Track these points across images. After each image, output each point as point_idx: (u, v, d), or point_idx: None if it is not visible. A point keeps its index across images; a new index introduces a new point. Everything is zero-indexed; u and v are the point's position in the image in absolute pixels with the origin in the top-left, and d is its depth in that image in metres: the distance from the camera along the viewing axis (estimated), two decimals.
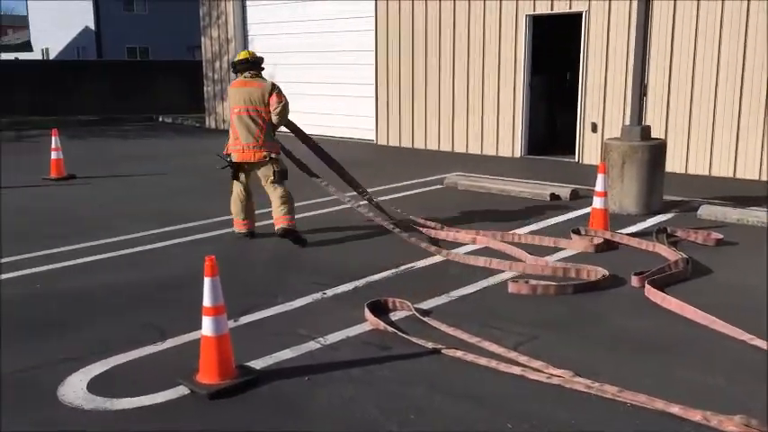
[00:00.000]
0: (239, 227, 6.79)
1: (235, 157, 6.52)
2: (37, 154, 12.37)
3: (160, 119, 20.28)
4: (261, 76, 6.67)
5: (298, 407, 3.56)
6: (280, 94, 6.45)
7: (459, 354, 4.10)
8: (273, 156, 6.53)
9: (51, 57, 37.37)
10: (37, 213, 8.03)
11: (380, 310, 4.81)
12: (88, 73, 23.27)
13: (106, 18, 34.00)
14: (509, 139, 11.85)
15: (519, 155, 11.77)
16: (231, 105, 6.62)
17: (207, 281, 3.68)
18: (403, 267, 5.86)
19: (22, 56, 38.70)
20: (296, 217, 6.69)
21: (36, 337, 4.43)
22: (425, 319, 4.65)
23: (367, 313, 4.68)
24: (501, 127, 11.93)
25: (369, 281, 5.52)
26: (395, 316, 4.77)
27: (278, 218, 6.52)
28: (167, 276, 5.68)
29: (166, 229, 7.20)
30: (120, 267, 5.96)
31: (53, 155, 10.23)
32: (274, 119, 6.50)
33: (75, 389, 3.73)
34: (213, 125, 17.70)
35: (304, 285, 5.40)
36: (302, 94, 15.43)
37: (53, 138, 10.38)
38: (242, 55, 6.71)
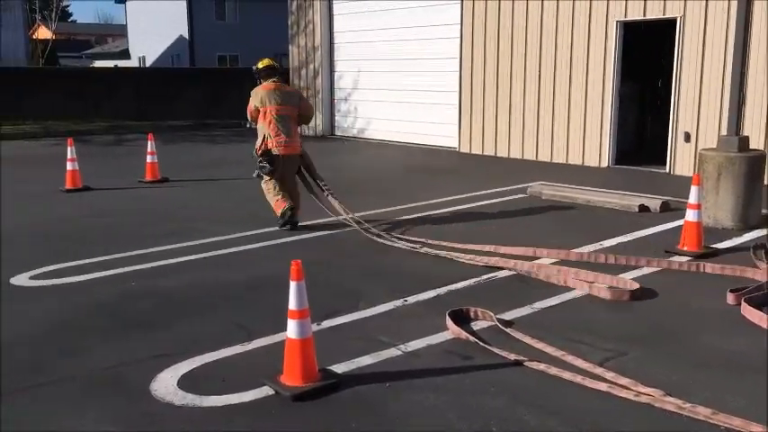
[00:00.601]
0: (282, 205, 7.22)
1: (279, 150, 7.19)
2: (134, 157, 12.97)
3: (247, 125, 20.86)
4: (284, 81, 7.52)
5: (378, 412, 3.58)
6: (307, 99, 7.69)
7: (542, 367, 4.02)
8: (303, 150, 7.49)
9: (147, 64, 39.11)
10: (131, 214, 8.41)
11: (462, 319, 4.78)
12: (182, 80, 24.23)
13: (199, 27, 35.32)
14: (596, 149, 11.57)
15: (606, 165, 11.47)
16: (266, 105, 7.22)
17: (293, 285, 3.76)
18: (485, 277, 5.81)
19: (121, 63, 40.66)
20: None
21: (129, 334, 4.64)
22: (508, 330, 4.60)
23: (448, 322, 4.67)
24: (588, 136, 11.66)
25: (450, 289, 5.51)
26: (476, 325, 4.74)
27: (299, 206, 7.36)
28: (255, 278, 5.83)
29: (256, 231, 7.39)
30: (211, 268, 6.16)
31: (148, 158, 10.70)
32: (305, 120, 7.53)
33: (166, 385, 3.88)
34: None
35: (386, 292, 5.44)
36: (385, 101, 15.60)
37: (149, 142, 10.85)
38: (266, 62, 7.50)
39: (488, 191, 9.66)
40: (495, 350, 4.24)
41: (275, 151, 7.18)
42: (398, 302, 5.22)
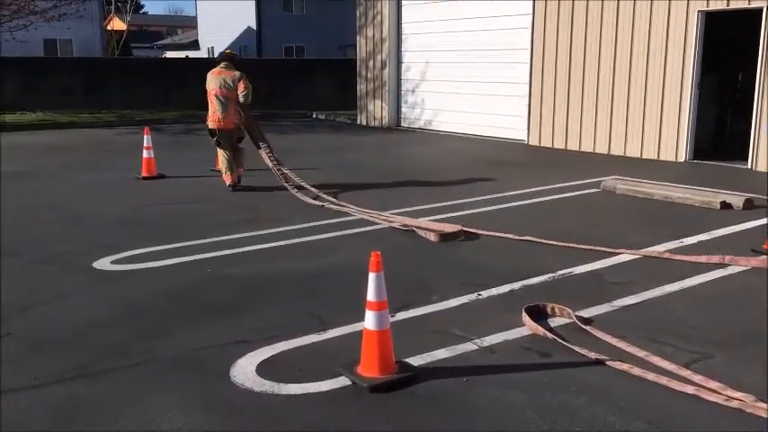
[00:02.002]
0: (227, 179, 9.09)
1: (213, 125, 8.97)
2: (204, 147, 13.21)
3: (314, 115, 21.05)
4: (233, 68, 9.01)
5: (455, 408, 3.54)
6: (245, 81, 8.83)
7: (625, 367, 3.91)
8: (238, 124, 9.07)
9: (215, 55, 39.91)
10: (205, 202, 8.57)
11: (539, 315, 4.69)
12: (250, 70, 24.52)
13: (266, 18, 35.81)
14: (672, 142, 11.19)
15: (683, 159, 11.08)
16: (209, 87, 8.96)
17: (372, 276, 3.75)
18: (560, 272, 5.69)
19: (191, 54, 41.61)
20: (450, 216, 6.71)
21: (208, 320, 4.73)
22: (587, 327, 4.48)
23: (525, 317, 4.59)
24: (664, 129, 11.28)
25: (525, 284, 5.41)
26: (554, 322, 4.64)
27: (238, 171, 9.16)
28: (323, 267, 5.85)
29: (321, 222, 7.44)
30: (281, 257, 6.23)
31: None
32: (241, 99, 8.86)
33: (245, 371, 3.94)
34: (365, 122, 18.12)
35: (459, 285, 5.38)
36: (453, 92, 15.47)
37: None
38: (228, 52, 9.42)
39: (559, 185, 9.46)
40: (575, 348, 4.14)
41: (210, 125, 9.04)
42: (472, 296, 5.16)
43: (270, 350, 4.21)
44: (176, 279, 5.59)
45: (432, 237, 6.63)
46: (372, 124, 17.74)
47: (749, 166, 10.37)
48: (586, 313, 4.78)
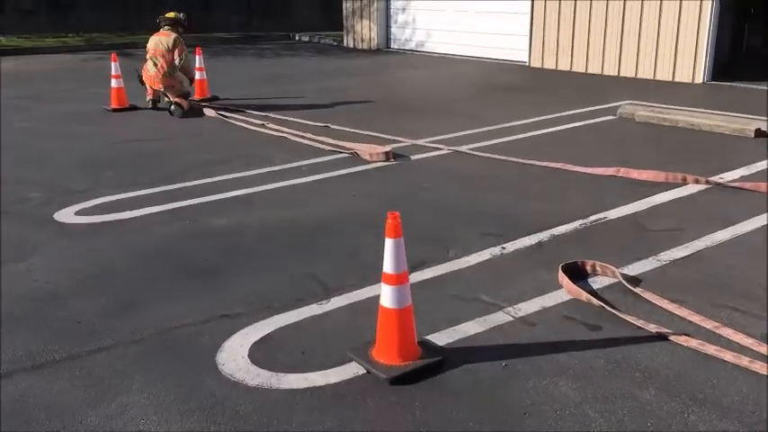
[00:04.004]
0: (148, 95, 9.19)
1: (143, 77, 9.04)
2: None
3: (297, 37, 19.81)
4: (174, 31, 8.96)
5: (497, 405, 2.87)
6: (182, 47, 8.85)
7: (694, 344, 3.25)
8: (171, 85, 8.89)
9: None
10: (184, 138, 7.72)
11: (577, 274, 4.01)
12: None
13: None
14: (689, 62, 10.33)
15: (701, 80, 10.26)
16: (148, 47, 8.96)
17: (389, 242, 3.03)
18: (593, 218, 4.98)
19: None
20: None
21: (190, 287, 4.00)
22: (636, 290, 3.80)
23: (563, 278, 3.90)
24: (681, 47, 10.37)
25: (553, 234, 4.71)
26: (595, 283, 3.96)
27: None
28: (323, 217, 5.11)
29: (319, 159, 6.65)
30: (273, 203, 5.47)
31: (197, 75, 9.89)
32: (177, 62, 8.83)
33: (235, 357, 3.24)
34: (351, 44, 16.99)
35: (476, 236, 4.67)
36: (447, 10, 14.37)
37: (197, 57, 10.05)
38: (170, 15, 9.09)
39: (571, 112, 8.66)
40: (629, 318, 3.47)
41: (144, 79, 9.07)
42: (495, 250, 4.45)
43: (263, 327, 3.51)
44: (149, 234, 4.82)
45: (368, 156, 6.54)
46: (360, 46, 16.63)
47: None
48: (631, 270, 4.11)
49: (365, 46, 16.41)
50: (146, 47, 9.08)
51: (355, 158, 6.65)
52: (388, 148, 6.77)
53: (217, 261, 4.36)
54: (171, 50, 8.83)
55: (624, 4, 10.97)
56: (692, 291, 3.82)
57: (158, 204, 5.42)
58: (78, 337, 3.44)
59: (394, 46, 16.09)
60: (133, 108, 9.24)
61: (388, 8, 15.99)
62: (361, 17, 16.43)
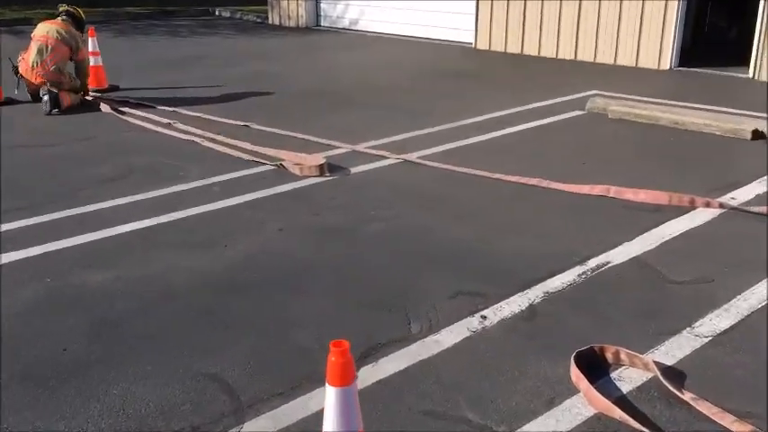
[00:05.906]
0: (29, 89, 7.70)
1: (21, 71, 7.47)
2: None
3: (217, 12, 18.05)
4: (72, 26, 7.69)
5: None
6: (86, 49, 7.86)
7: None
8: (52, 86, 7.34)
9: None
10: (63, 144, 6.21)
11: (592, 362, 2.85)
12: None
13: None
14: (655, 46, 9.29)
15: (667, 66, 9.27)
16: (34, 33, 7.57)
17: (333, 393, 1.76)
18: (593, 262, 3.83)
19: None
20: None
21: (44, 398, 2.63)
22: (685, 396, 2.66)
23: (579, 378, 2.73)
24: (645, 28, 9.31)
25: (547, 290, 3.54)
26: (622, 380, 2.80)
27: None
28: (235, 265, 3.79)
29: (227, 175, 5.30)
30: (170, 245, 4.10)
31: (90, 61, 8.28)
32: (83, 65, 7.73)
33: None
34: (277, 21, 15.41)
35: (446, 297, 3.46)
36: None
37: (89, 39, 8.43)
38: (63, 7, 7.85)
39: (531, 105, 7.50)
40: None
41: (20, 69, 7.50)
42: (473, 322, 3.25)
43: None
44: None
45: (298, 171, 5.30)
46: (287, 23, 15.08)
47: (751, 75, 8.65)
48: (664, 354, 2.97)
49: (292, 23, 14.88)
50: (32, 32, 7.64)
51: (282, 172, 5.33)
52: (321, 159, 5.47)
53: (77, 355, 2.99)
54: (68, 45, 7.51)
55: None
56: (758, 392, 2.71)
57: (16, 249, 3.99)
58: None
59: (324, 23, 14.62)
60: (9, 102, 7.60)
61: None
62: None
